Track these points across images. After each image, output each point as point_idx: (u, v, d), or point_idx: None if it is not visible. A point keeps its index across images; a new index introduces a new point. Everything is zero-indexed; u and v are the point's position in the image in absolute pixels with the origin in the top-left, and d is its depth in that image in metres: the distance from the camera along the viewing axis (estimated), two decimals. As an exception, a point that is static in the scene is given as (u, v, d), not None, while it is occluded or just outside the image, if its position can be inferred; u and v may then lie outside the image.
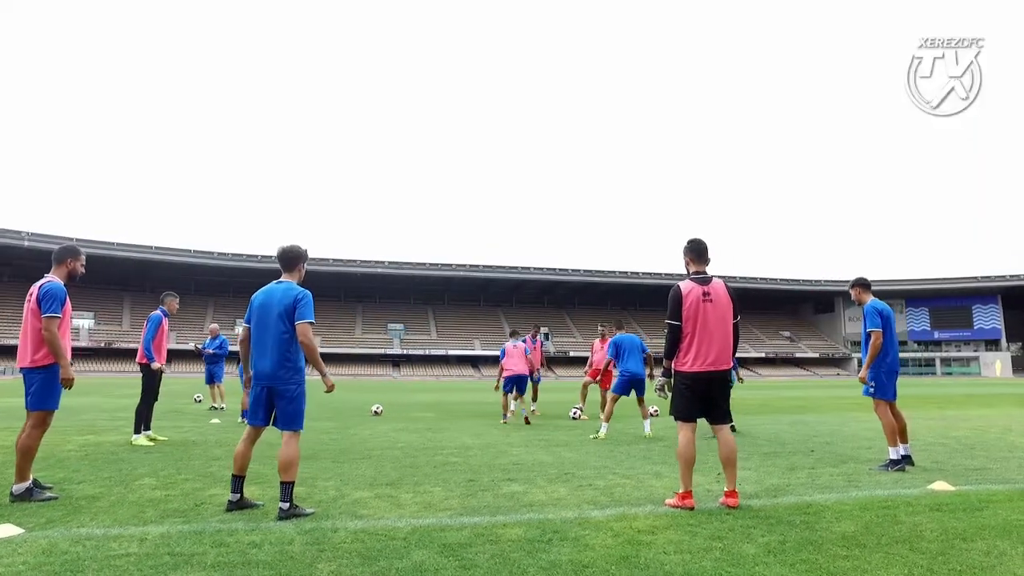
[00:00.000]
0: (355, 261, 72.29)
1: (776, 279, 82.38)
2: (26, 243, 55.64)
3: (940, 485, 5.14)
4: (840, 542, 3.59)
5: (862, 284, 6.52)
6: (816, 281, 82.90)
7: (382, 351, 72.60)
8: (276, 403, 4.42)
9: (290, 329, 4.39)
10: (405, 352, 73.07)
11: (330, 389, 4.71)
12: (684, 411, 4.56)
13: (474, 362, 73.04)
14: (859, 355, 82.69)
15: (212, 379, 13.61)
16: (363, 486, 5.27)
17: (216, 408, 13.27)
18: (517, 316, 77.78)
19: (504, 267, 75.90)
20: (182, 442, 8.10)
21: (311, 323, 4.41)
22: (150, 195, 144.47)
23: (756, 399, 20.57)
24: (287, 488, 4.24)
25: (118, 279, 66.62)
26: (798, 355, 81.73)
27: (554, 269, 76.38)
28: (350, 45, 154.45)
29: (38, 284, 4.81)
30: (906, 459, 6.15)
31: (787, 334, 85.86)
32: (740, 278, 79.91)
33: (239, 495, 4.42)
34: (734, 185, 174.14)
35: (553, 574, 3.09)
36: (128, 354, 59.40)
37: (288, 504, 4.22)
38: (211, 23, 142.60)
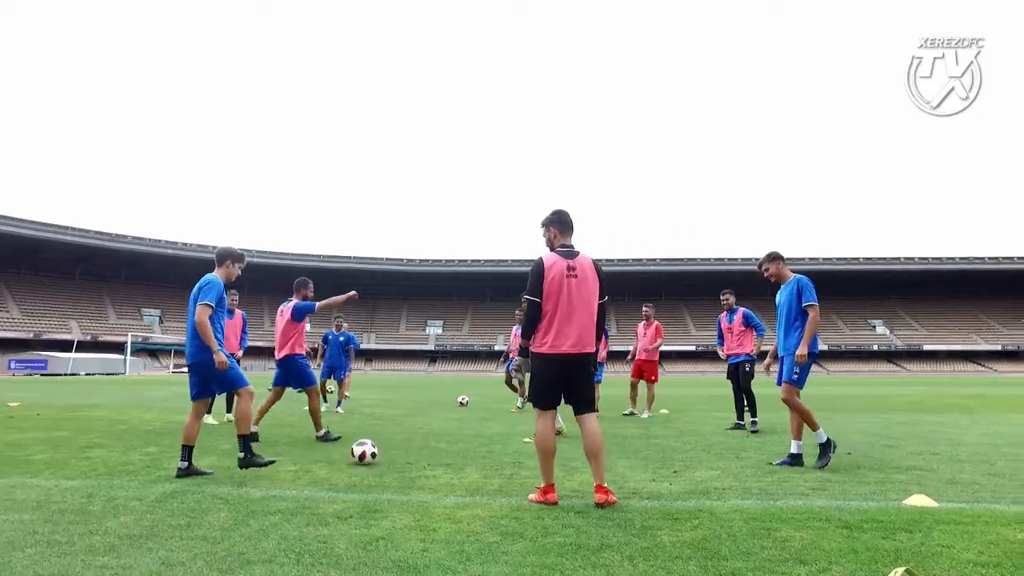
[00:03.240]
0: (507, 261, 73.96)
1: (1012, 258, 68.12)
2: (254, 259, 66.58)
3: (918, 500, 4.07)
4: (637, 552, 3.05)
5: (779, 258, 5.84)
6: (1077, 256, 66.87)
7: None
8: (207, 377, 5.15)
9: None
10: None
11: (220, 366, 4.97)
12: (540, 398, 4.19)
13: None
14: None
15: (334, 373, 12.54)
16: (304, 461, 5.66)
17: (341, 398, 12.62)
18: (677, 309, 74.32)
19: (667, 259, 72.99)
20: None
21: (208, 305, 5.02)
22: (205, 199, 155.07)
23: (916, 396, 16.94)
24: (242, 440, 5.00)
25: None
26: (1051, 347, 66.73)
27: (723, 259, 71.45)
28: (367, 57, 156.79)
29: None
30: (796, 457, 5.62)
31: (1035, 323, 70.54)
32: (960, 259, 67.44)
33: (188, 463, 5.05)
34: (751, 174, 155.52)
35: (288, 547, 3.10)
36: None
37: (244, 454, 5.00)
38: (247, 37, 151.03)
